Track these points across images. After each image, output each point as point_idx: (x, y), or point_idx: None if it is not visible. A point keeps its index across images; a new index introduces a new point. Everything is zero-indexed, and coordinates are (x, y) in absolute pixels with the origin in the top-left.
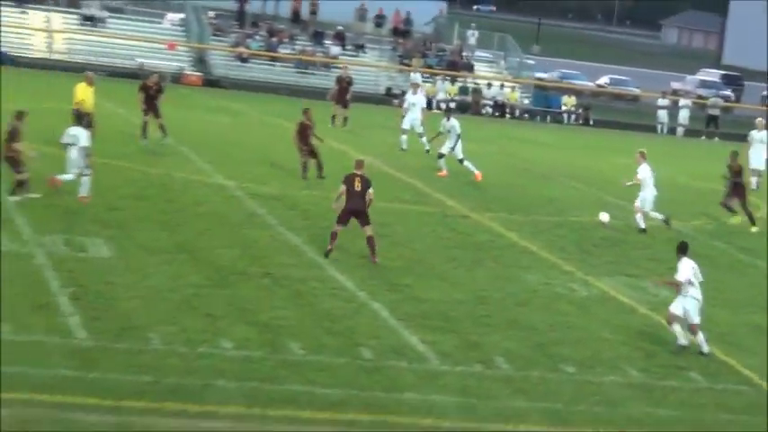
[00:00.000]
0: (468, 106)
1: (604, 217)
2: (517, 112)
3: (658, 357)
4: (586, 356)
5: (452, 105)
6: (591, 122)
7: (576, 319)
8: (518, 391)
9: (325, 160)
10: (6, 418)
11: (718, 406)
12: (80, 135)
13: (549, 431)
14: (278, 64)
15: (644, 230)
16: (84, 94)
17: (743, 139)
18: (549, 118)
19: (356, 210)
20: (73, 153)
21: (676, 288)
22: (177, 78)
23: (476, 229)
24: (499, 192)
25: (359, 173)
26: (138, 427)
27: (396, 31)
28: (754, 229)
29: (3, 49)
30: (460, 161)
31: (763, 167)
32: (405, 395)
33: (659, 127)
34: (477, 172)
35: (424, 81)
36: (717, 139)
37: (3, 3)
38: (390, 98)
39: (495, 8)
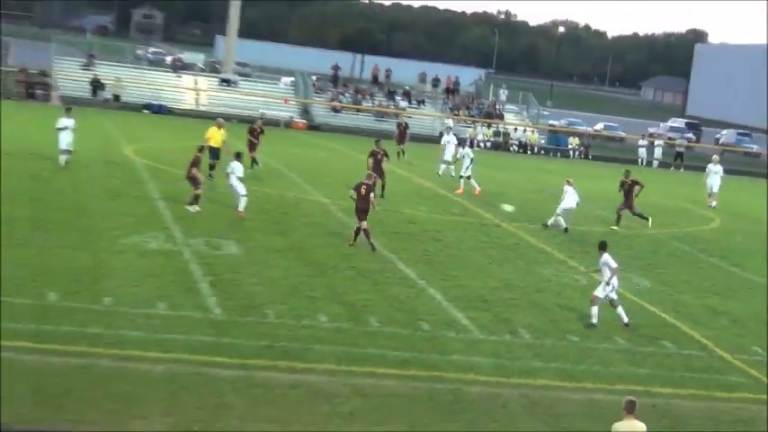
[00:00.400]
0: (500, 145)
1: (508, 208)
2: (536, 149)
3: (639, 330)
4: (586, 329)
5: (489, 144)
6: (590, 157)
7: (579, 301)
8: (536, 355)
9: (393, 183)
10: (161, 372)
11: (684, 367)
12: (236, 167)
13: (560, 384)
14: (361, 114)
15: (566, 228)
16: (212, 134)
17: (702, 170)
18: (559, 154)
19: (362, 209)
20: (233, 180)
21: (611, 275)
22: (289, 124)
23: (505, 234)
24: (523, 207)
25: (367, 182)
26: (258, 380)
27: (447, 90)
28: (614, 227)
29: (162, 103)
30: (468, 177)
31: (717, 191)
32: (453, 357)
33: (639, 160)
34: (477, 189)
35: (467, 126)
36: (682, 170)
37: (162, 69)
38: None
39: (493, 70)
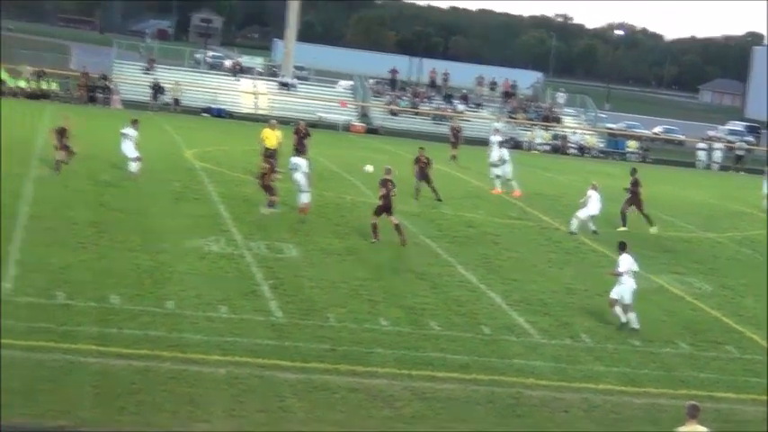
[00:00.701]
0: (558, 148)
1: (369, 168)
2: (594, 153)
3: (702, 334)
4: (648, 333)
5: (547, 147)
6: (648, 160)
7: (640, 305)
8: (597, 359)
9: (451, 186)
10: (223, 375)
11: (746, 371)
12: (300, 163)
13: (622, 389)
14: (419, 117)
15: (574, 233)
16: (267, 135)
17: (761, 172)
18: (617, 157)
19: (389, 205)
20: (298, 176)
21: (616, 276)
22: (347, 127)
23: (565, 238)
24: None
25: (390, 178)
26: (319, 383)
27: (505, 94)
28: (653, 230)
29: (221, 107)
30: (495, 176)
31: None
32: (513, 361)
33: (698, 164)
34: (496, 189)
35: (525, 130)
36: (742, 173)
37: (221, 72)
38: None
39: (550, 73)
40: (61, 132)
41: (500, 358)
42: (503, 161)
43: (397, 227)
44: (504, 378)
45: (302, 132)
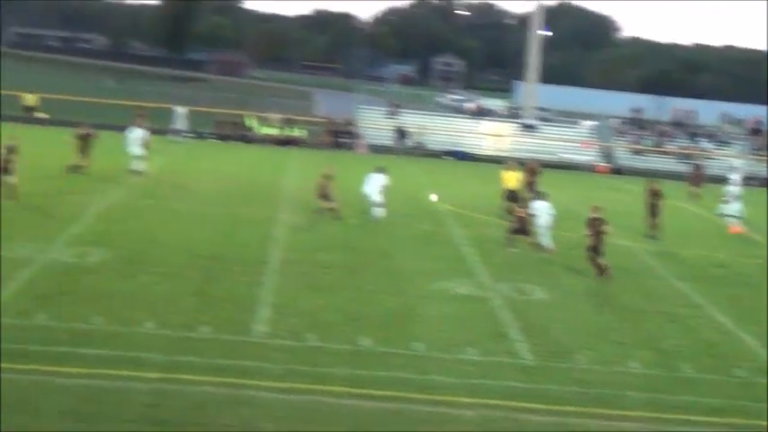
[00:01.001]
0: None
1: (434, 197)
2: None
3: None
4: None
5: None
6: None
7: None
8: None
9: (696, 225)
10: (473, 417)
11: None
12: (542, 207)
13: None
14: (664, 156)
15: None
16: (507, 177)
17: None
18: None
19: (597, 245)
20: (540, 221)
21: None
22: (590, 168)
23: None
24: None
25: (597, 216)
26: (572, 426)
27: (751, 131)
28: None
29: (463, 149)
30: (721, 214)
31: None
32: None
33: None
34: (731, 227)
35: None
36: None
37: (462, 115)
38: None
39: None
40: (327, 178)
41: (755, 402)
42: (736, 198)
43: (601, 265)
44: (761, 422)
45: (534, 171)
